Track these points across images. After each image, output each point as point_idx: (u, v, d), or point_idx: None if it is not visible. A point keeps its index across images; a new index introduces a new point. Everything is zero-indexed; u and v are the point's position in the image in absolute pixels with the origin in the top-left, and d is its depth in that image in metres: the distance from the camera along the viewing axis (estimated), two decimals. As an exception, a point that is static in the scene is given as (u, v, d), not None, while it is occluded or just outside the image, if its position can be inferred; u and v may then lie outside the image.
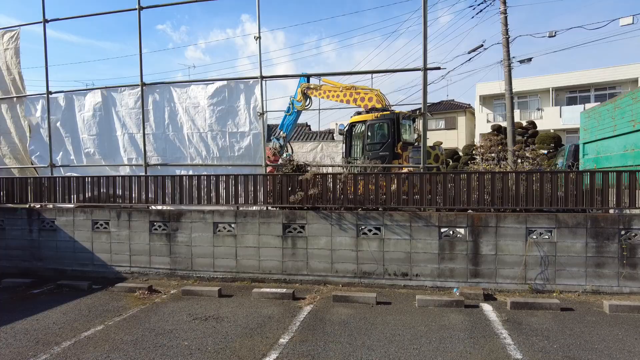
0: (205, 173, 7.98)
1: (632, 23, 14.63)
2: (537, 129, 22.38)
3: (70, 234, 8.15)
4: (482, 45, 18.45)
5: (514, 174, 6.68)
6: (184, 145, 8.16)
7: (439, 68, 7.80)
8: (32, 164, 9.26)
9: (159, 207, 8.02)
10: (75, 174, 8.68)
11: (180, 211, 7.71)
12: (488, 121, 32.29)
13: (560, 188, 6.53)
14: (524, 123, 23.03)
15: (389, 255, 6.94)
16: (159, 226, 7.81)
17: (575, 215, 6.43)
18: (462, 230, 6.74)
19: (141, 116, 8.13)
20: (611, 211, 6.53)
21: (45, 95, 8.78)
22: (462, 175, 6.86)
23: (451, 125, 34.97)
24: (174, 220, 7.73)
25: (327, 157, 17.79)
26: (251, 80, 7.71)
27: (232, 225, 7.50)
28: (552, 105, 29.37)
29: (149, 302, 6.51)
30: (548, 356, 4.29)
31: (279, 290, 6.61)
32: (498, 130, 23.38)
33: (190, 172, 8.15)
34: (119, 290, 7.10)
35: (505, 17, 17.21)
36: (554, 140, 20.77)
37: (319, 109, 16.78)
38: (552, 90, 29.27)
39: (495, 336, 4.84)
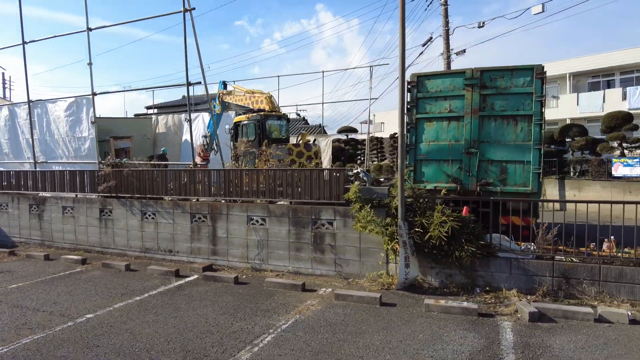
0: (69, 168, 10.40)
1: (543, 11, 13.61)
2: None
3: (-13, 213, 11.21)
4: (431, 38, 18.38)
5: (238, 171, 7.91)
6: (56, 147, 10.72)
7: (200, 83, 9.15)
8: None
9: (42, 194, 10.64)
10: (1, 169, 11.75)
11: (45, 197, 10.25)
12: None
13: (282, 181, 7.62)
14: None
15: (161, 235, 8.66)
16: (34, 208, 10.45)
17: (280, 206, 7.49)
18: (206, 217, 8.18)
19: (30, 125, 10.85)
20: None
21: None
22: (204, 173, 8.27)
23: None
24: (42, 204, 10.30)
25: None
26: (91, 96, 9.91)
27: (72, 209, 9.81)
28: (570, 92, 26.83)
29: (-3, 262, 9.13)
30: (133, 311, 5.83)
31: (75, 257, 8.76)
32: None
33: (60, 168, 10.65)
34: (-5, 253, 9.86)
35: (446, 9, 17.02)
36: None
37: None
38: (570, 76, 26.72)
39: (137, 293, 6.40)
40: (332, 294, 6.14)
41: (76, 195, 9.88)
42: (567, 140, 18.18)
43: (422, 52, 29.21)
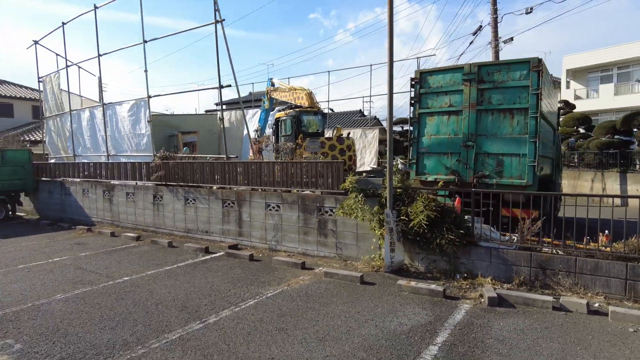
0: (132, 160, 12.32)
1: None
2: (575, 109, 19.77)
3: (75, 197, 13.65)
4: (480, 27, 17.91)
5: (257, 164, 8.92)
6: (122, 142, 12.70)
7: (229, 86, 10.19)
8: (68, 155, 15.30)
9: (112, 182, 12.73)
10: (85, 161, 14.17)
11: (114, 185, 12.27)
12: (577, 97, 28.18)
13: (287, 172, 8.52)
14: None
15: (199, 218, 10.05)
16: (107, 193, 12.55)
17: (291, 194, 8.39)
18: (234, 203, 9.36)
19: (103, 124, 12.97)
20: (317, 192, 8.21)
21: (73, 112, 14.53)
22: (232, 165, 9.42)
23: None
24: (112, 190, 12.34)
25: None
26: (147, 99, 11.62)
27: (133, 194, 11.67)
28: (657, 74, 24.02)
29: (77, 235, 11.27)
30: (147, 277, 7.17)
31: (132, 234, 10.53)
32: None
33: (125, 160, 12.62)
34: (77, 229, 12.07)
35: (493, -4, 16.43)
36: (577, 122, 18.27)
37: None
38: (658, 55, 23.88)
39: (168, 264, 7.76)
40: (324, 272, 6.92)
41: (136, 183, 11.71)
42: (634, 130, 16.64)
43: (472, 42, 28.54)
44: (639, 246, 5.34)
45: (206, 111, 33.68)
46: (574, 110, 20.07)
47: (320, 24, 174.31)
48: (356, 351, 4.15)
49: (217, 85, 10.07)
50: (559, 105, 22.05)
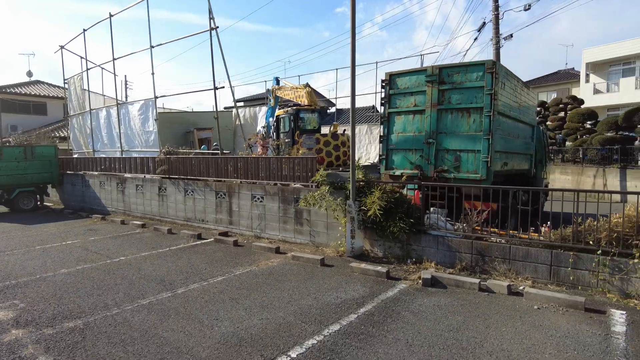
0: (142, 155, 13.50)
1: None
2: (584, 105, 19.58)
3: (93, 188, 15.01)
4: (484, 24, 18.09)
5: (243, 159, 9.78)
6: (134, 138, 13.89)
7: (223, 87, 11.05)
8: (89, 150, 16.71)
9: (125, 175, 13.97)
10: (103, 155, 15.51)
11: (126, 177, 13.48)
12: (597, 91, 27.60)
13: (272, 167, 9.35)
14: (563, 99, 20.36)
15: (197, 208, 11.06)
16: (119, 185, 13.79)
17: (274, 187, 9.21)
18: (225, 194, 10.29)
19: (117, 122, 14.20)
20: (296, 185, 8.99)
21: (92, 111, 15.91)
22: (223, 160, 10.32)
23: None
24: (124, 182, 13.56)
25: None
26: (154, 99, 12.71)
27: (142, 186, 12.82)
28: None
29: (92, 223, 12.54)
30: (141, 259, 8.18)
31: (138, 222, 11.65)
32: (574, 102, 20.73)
33: (137, 155, 13.81)
34: (93, 217, 13.34)
35: (493, -7, 16.60)
36: (583, 117, 18.13)
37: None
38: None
39: (162, 247, 8.77)
40: (292, 256, 7.72)
41: (144, 176, 12.86)
42: (639, 126, 16.44)
43: (476, 38, 28.82)
44: (563, 236, 5.84)
45: (224, 108, 35.00)
46: (582, 106, 19.86)
47: (347, 18, 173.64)
48: (287, 316, 4.94)
49: (220, 86, 11.02)
50: (566, 100, 21.87)
